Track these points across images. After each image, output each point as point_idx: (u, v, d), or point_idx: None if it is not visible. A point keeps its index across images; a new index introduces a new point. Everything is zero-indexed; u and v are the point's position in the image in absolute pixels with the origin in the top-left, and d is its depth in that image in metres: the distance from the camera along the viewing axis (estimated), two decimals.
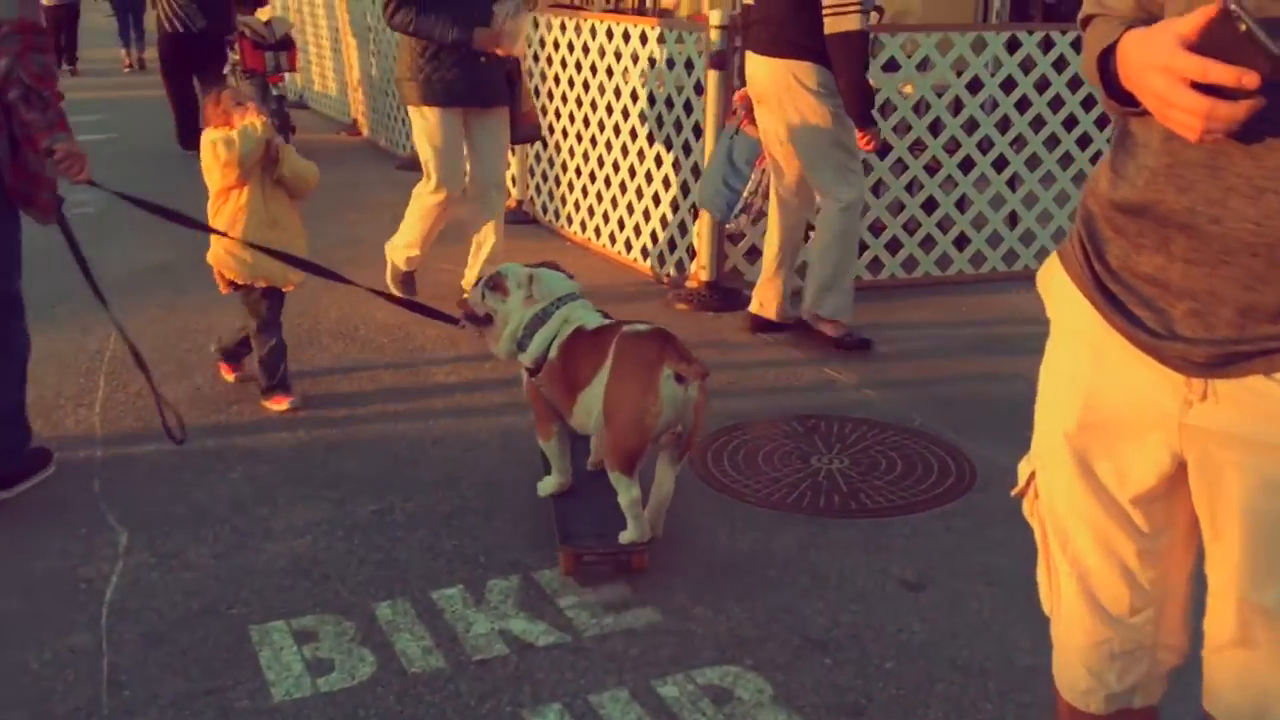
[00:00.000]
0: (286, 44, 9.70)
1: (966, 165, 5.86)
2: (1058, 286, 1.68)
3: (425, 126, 5.14)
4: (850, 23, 4.43)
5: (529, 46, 6.67)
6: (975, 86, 5.79)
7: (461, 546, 3.30)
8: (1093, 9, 1.57)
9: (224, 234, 4.04)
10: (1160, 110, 1.31)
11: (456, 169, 5.23)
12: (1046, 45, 5.86)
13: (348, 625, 2.92)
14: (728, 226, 5.23)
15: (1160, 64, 1.28)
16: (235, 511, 3.50)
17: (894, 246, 5.90)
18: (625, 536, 3.17)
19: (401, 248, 5.39)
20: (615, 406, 3.07)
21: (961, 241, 5.99)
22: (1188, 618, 1.72)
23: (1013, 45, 5.82)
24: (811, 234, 5.07)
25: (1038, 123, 5.96)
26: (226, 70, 10.15)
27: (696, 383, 3.02)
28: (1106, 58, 1.44)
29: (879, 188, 5.80)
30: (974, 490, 3.63)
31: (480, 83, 5.08)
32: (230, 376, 4.52)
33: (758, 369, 4.74)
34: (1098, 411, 1.63)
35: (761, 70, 4.71)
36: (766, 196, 4.99)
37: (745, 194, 4.96)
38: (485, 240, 5.33)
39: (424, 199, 5.28)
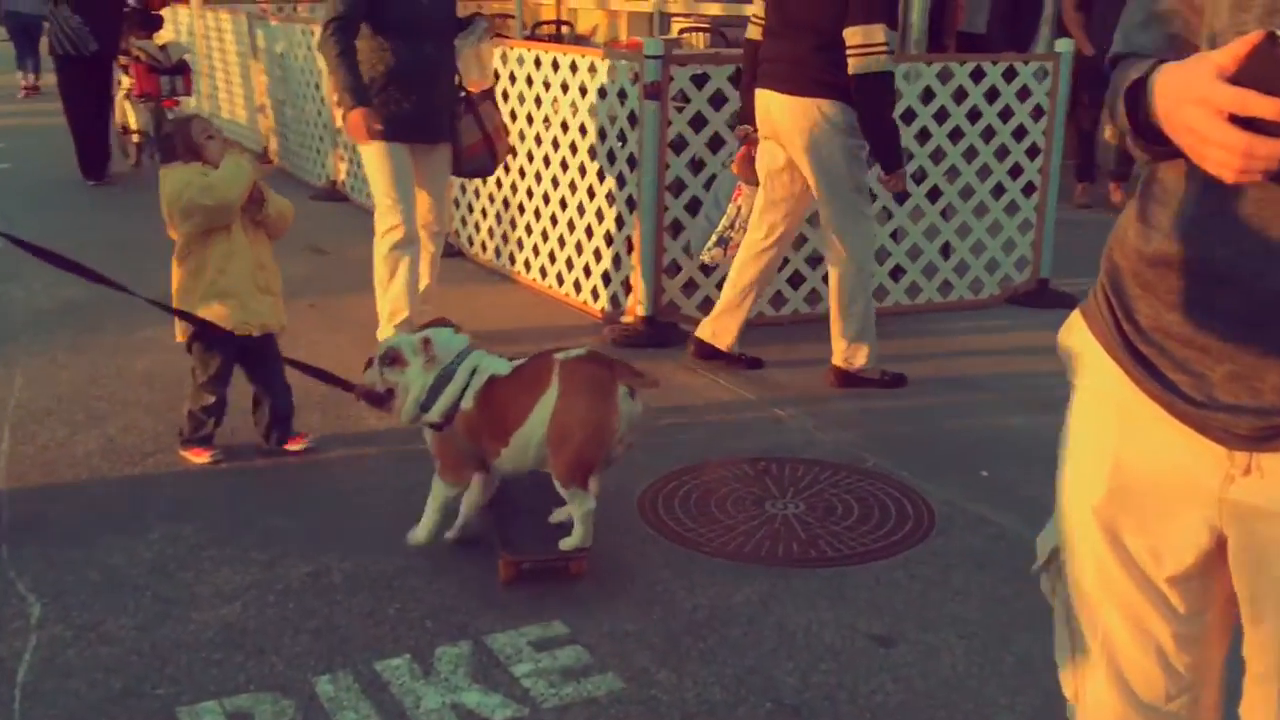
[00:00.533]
0: (182, 68, 9.66)
1: (899, 196, 5.81)
2: (1081, 346, 1.57)
3: (370, 161, 4.84)
4: (878, 64, 4.32)
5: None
6: (908, 117, 5.75)
7: (405, 610, 3.10)
8: (1122, 48, 1.46)
9: (165, 306, 3.79)
10: (1195, 148, 1.19)
11: (409, 205, 4.89)
12: (977, 76, 5.85)
13: (285, 704, 2.70)
14: (702, 258, 5.11)
15: (1196, 96, 1.16)
16: (157, 577, 3.25)
17: (795, 281, 5.82)
18: (568, 543, 3.24)
19: (387, 320, 4.93)
20: (570, 427, 3.16)
21: (896, 273, 5.94)
22: (1223, 705, 1.61)
23: (944, 76, 5.81)
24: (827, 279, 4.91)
25: (970, 153, 5.95)
26: (121, 95, 9.86)
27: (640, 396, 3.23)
28: (1136, 94, 1.33)
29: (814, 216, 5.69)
30: (934, 534, 3.54)
31: (426, 115, 4.85)
32: (205, 458, 4.01)
33: (702, 409, 4.61)
34: (1128, 483, 1.52)
35: (782, 108, 4.54)
36: (742, 230, 4.89)
37: (720, 228, 4.86)
38: (420, 280, 5.12)
39: (383, 245, 4.88)
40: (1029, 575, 2.67)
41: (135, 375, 4.87)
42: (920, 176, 5.83)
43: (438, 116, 4.91)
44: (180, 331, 3.96)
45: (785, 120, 4.55)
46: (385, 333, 4.88)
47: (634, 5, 13.39)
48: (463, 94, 5.02)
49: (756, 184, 4.84)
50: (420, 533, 3.38)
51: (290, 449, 4.07)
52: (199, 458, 4.01)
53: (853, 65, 4.34)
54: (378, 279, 4.96)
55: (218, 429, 4.06)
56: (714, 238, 4.93)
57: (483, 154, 5.05)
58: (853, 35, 4.31)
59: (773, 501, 3.77)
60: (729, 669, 2.84)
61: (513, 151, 5.72)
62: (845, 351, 4.75)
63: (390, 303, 4.93)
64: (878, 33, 4.29)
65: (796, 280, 5.75)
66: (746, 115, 4.83)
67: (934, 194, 5.91)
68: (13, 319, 5.58)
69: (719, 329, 4.99)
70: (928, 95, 5.79)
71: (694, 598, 3.17)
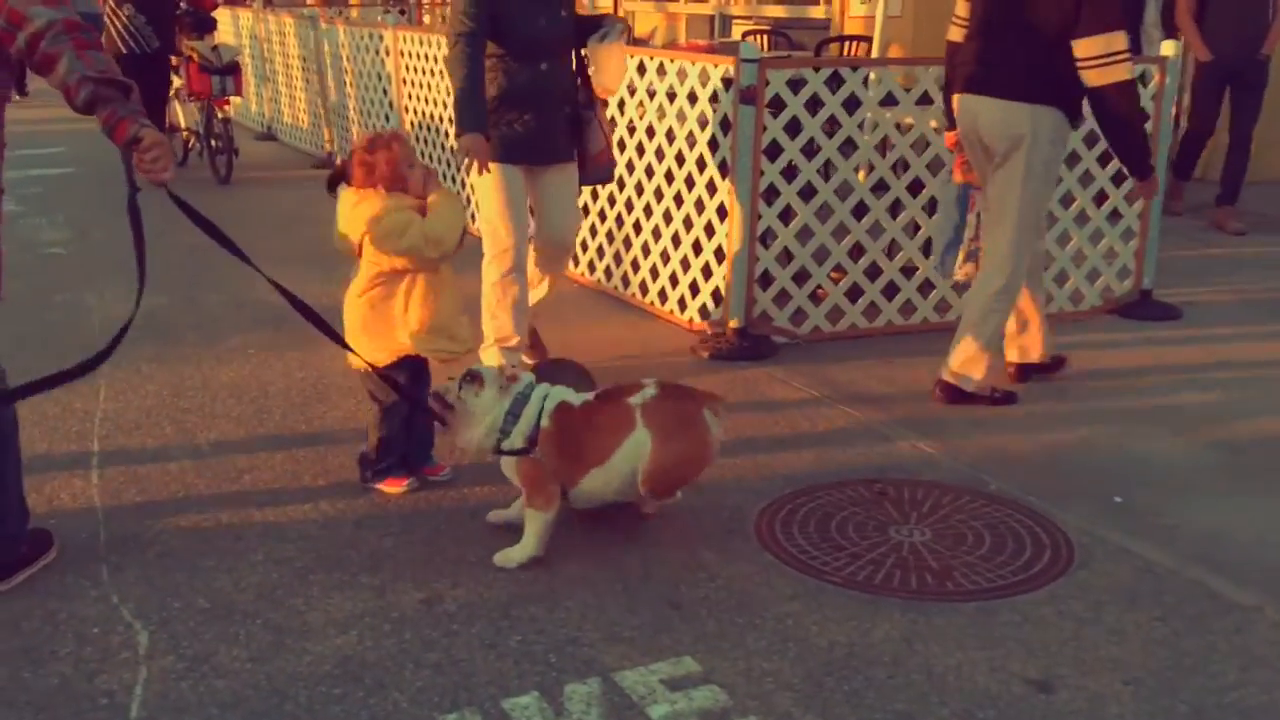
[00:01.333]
0: (233, 69, 9.77)
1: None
2: None
3: (483, 183, 4.52)
4: (1123, 72, 4.14)
5: None
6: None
7: (527, 642, 2.95)
8: None
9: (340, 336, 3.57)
10: None
11: (522, 229, 4.60)
12: None
13: None
14: (956, 276, 4.86)
15: None
16: (266, 603, 3.12)
17: (925, 289, 5.63)
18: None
19: (493, 343, 4.69)
20: (673, 465, 3.38)
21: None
22: None
23: None
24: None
25: (1072, 159, 5.73)
26: (171, 94, 9.96)
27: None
28: None
29: (840, 232, 5.47)
30: (1077, 567, 3.34)
31: (543, 135, 4.54)
32: (403, 486, 3.80)
33: (805, 426, 4.43)
34: None
35: (991, 113, 4.35)
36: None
37: (966, 241, 4.68)
38: (538, 291, 4.96)
39: (493, 271, 4.61)
40: (1186, 614, 2.47)
41: (221, 387, 4.76)
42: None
43: (555, 136, 4.60)
44: (359, 360, 3.63)
45: (995, 126, 4.35)
46: (489, 357, 4.66)
47: (694, 8, 13.23)
48: (588, 100, 4.74)
49: (981, 187, 4.66)
50: (513, 558, 3.34)
51: (430, 476, 3.90)
52: (396, 488, 3.79)
53: (1095, 76, 4.14)
54: (485, 303, 4.70)
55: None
56: (962, 253, 4.71)
57: (607, 161, 4.78)
58: (1091, 46, 4.11)
59: (896, 527, 3.59)
60: (878, 715, 2.66)
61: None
62: (961, 366, 4.56)
63: (498, 330, 4.68)
64: (1119, 40, 4.12)
65: (891, 291, 5.56)
66: (953, 120, 4.63)
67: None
68: (89, 328, 5.48)
69: (1024, 345, 4.81)
70: None
71: (829, 633, 2.99)
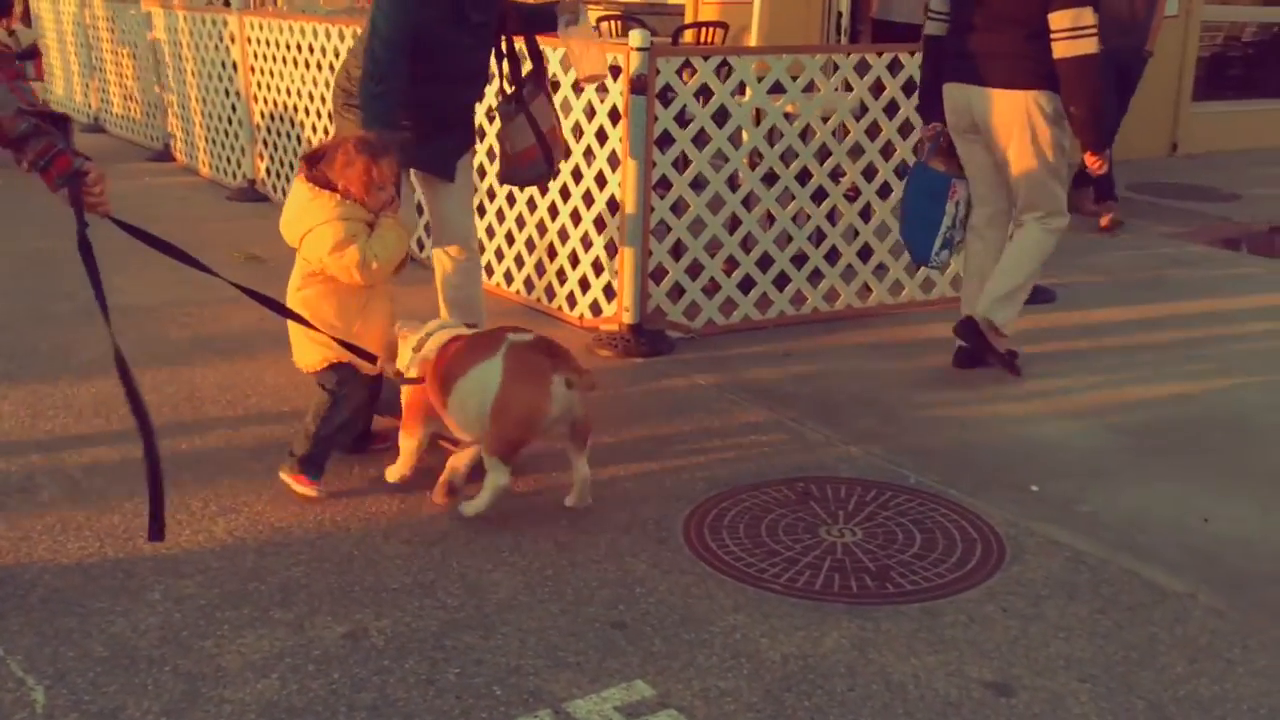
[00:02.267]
0: (32, 53, 9.71)
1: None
2: None
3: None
4: (1088, 45, 4.31)
5: None
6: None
7: (466, 675, 2.77)
8: None
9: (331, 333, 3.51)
10: None
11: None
12: None
13: None
14: (933, 265, 4.95)
15: None
16: (172, 647, 2.85)
17: (815, 279, 5.60)
18: (469, 506, 3.48)
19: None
20: (506, 404, 3.36)
21: (848, 273, 5.76)
22: None
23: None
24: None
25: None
26: None
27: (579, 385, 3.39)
28: None
29: (731, 224, 5.43)
30: (1010, 561, 3.33)
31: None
32: (313, 490, 3.63)
33: (714, 422, 4.34)
34: None
35: (990, 102, 4.52)
36: (962, 228, 4.85)
37: (944, 229, 4.75)
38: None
39: None
40: (1124, 605, 2.45)
41: (84, 406, 4.38)
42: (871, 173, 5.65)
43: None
44: (318, 360, 3.60)
45: (996, 113, 4.52)
46: None
47: None
48: (510, 92, 4.44)
49: (964, 177, 4.79)
50: (393, 472, 3.67)
51: (291, 482, 3.67)
52: (306, 488, 3.62)
53: (1062, 49, 4.34)
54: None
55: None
56: (938, 241, 4.79)
57: (538, 159, 4.44)
58: (1061, 19, 4.32)
59: (826, 528, 3.52)
60: None
61: (568, 152, 5.09)
62: (994, 322, 4.69)
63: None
64: (1086, 15, 4.32)
65: (782, 282, 5.51)
66: (932, 112, 4.80)
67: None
68: None
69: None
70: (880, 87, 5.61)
71: (780, 645, 2.90)
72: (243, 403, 4.43)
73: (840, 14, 9.71)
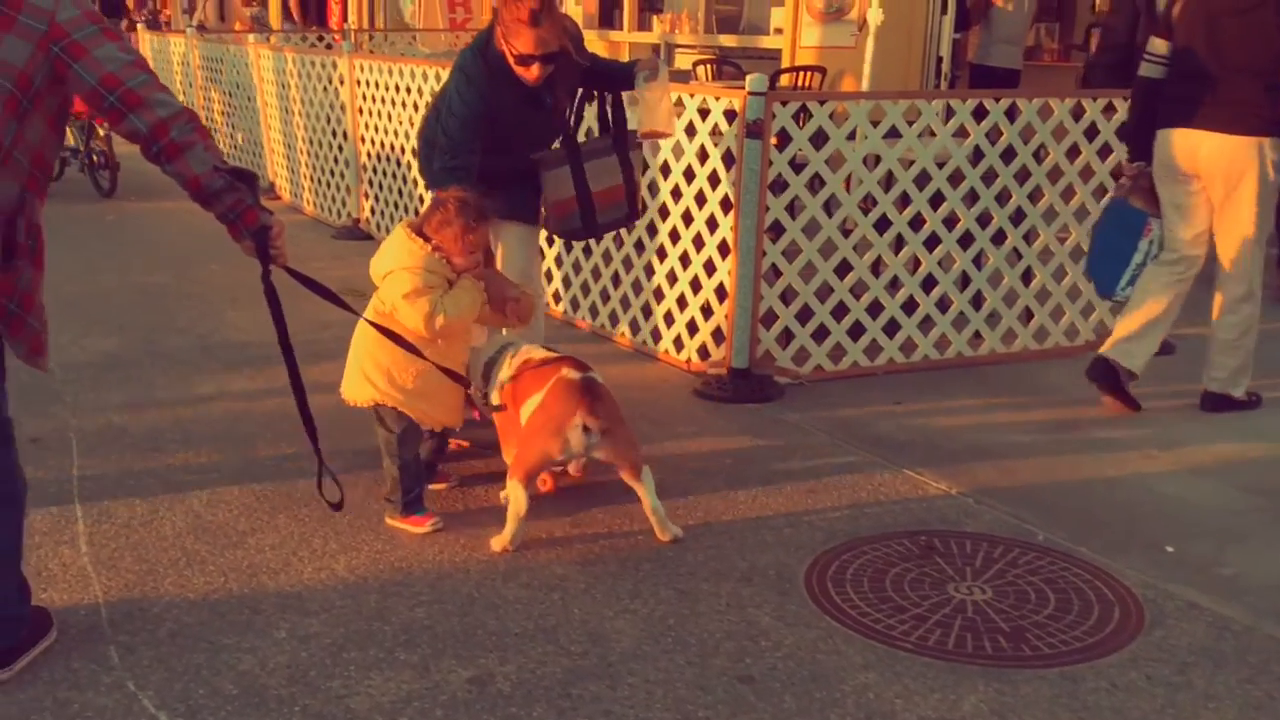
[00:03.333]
0: None
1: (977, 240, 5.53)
2: None
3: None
4: None
5: None
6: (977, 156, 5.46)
7: None
8: None
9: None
10: None
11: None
12: (1075, 113, 5.58)
13: None
14: (1118, 298, 5.06)
15: None
16: (300, 687, 2.84)
17: (925, 326, 5.51)
18: (496, 543, 3.57)
19: None
20: (528, 433, 3.56)
21: (993, 319, 5.65)
22: None
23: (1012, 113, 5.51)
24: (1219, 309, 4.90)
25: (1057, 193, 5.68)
26: None
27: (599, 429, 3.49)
28: None
29: (843, 269, 5.34)
30: (1150, 626, 3.20)
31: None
32: (424, 527, 3.70)
33: (828, 472, 4.26)
34: None
35: (1219, 148, 4.61)
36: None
37: (1134, 265, 4.87)
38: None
39: None
40: (1275, 674, 2.33)
41: (201, 439, 4.44)
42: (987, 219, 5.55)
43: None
44: (366, 398, 3.69)
45: (1223, 159, 4.61)
46: None
47: (637, 37, 13.11)
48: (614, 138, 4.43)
49: (1159, 215, 4.86)
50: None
51: (407, 527, 3.69)
52: (421, 526, 3.70)
53: None
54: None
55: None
56: (1126, 276, 4.90)
57: (570, 211, 4.33)
58: None
59: (954, 584, 3.42)
60: None
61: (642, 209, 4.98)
62: (1226, 382, 4.86)
63: None
64: None
65: (892, 329, 5.43)
66: (1140, 152, 4.89)
67: (1029, 237, 5.64)
68: (48, 377, 5.11)
69: (1135, 350, 4.85)
70: (997, 133, 5.51)
71: (916, 708, 2.81)
72: (361, 440, 4.45)
73: (940, 59, 9.68)
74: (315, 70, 8.73)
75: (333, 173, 8.80)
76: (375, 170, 8.17)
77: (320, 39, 14.34)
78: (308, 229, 8.71)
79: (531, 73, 3.99)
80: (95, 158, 10.12)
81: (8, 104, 2.57)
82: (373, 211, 8.39)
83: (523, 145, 4.26)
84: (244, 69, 10.38)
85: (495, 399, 3.78)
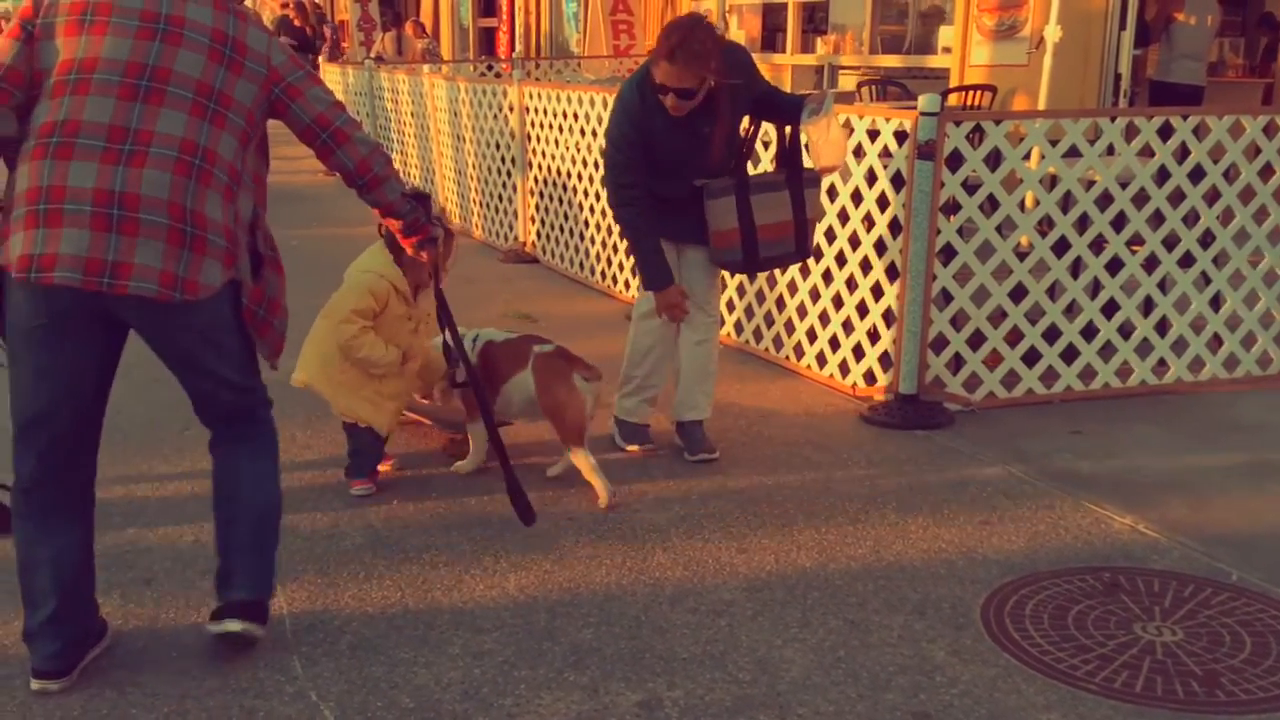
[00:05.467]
0: None
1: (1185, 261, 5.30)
2: None
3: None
4: None
5: None
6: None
7: None
8: None
9: None
10: None
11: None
12: (1268, 130, 5.30)
13: None
14: None
15: None
16: (473, 704, 2.89)
17: (1106, 352, 5.30)
18: (601, 499, 4.05)
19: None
20: (557, 405, 4.12)
21: (1180, 346, 5.40)
22: None
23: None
24: None
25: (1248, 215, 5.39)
26: None
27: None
28: None
29: (1017, 293, 5.14)
30: None
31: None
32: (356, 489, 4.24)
33: (1004, 504, 4.12)
34: None
35: None
36: None
37: None
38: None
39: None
40: None
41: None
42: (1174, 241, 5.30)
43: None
44: (343, 410, 4.23)
45: None
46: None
47: (799, 59, 13.05)
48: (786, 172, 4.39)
49: None
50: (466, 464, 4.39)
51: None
52: (354, 488, 4.23)
53: None
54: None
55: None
56: None
57: (732, 244, 4.29)
58: None
59: (1141, 624, 3.27)
60: None
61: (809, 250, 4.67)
62: None
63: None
64: None
65: (1070, 355, 5.24)
66: None
67: (1220, 259, 5.38)
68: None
69: None
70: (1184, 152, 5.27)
71: None
72: (524, 460, 4.52)
73: (1119, 75, 9.34)
74: (486, 98, 8.96)
75: (501, 197, 9.01)
76: (542, 195, 8.33)
77: (489, 68, 14.73)
78: (476, 252, 8.92)
79: (669, 103, 4.06)
80: None
81: (241, 138, 2.89)
82: (539, 235, 8.54)
83: (690, 172, 4.28)
84: (419, 98, 10.74)
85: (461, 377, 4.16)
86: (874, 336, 5.20)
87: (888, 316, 5.10)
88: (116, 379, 2.94)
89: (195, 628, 3.22)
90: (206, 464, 3.09)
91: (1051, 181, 5.18)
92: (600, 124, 7.04)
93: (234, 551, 3.07)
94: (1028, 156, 5.11)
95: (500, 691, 2.94)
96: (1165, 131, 5.13)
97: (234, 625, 3.02)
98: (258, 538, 3.09)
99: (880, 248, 5.11)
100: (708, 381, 4.57)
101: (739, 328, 6.15)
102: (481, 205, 9.50)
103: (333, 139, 3.03)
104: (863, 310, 5.25)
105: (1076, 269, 5.26)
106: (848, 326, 5.35)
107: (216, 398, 3.02)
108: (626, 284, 7.17)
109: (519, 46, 18.14)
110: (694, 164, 4.27)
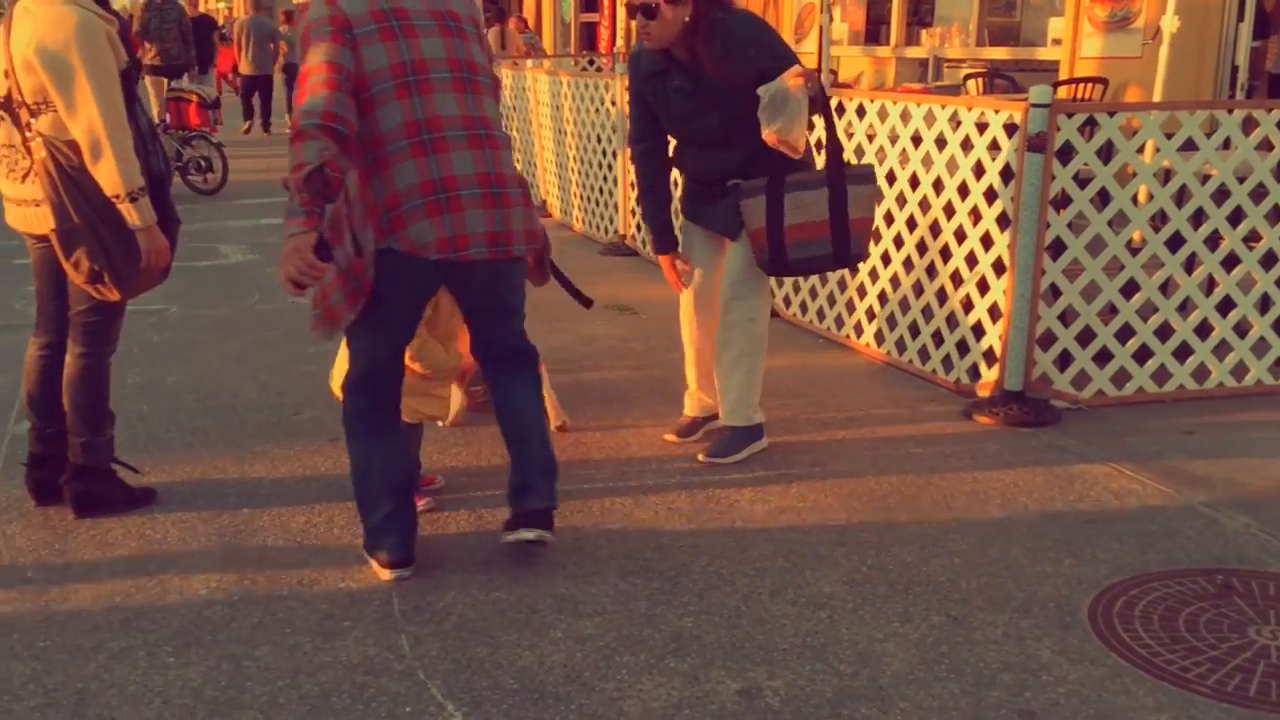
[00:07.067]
0: (218, 104, 12.42)
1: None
2: None
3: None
4: None
5: None
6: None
7: None
8: None
9: None
10: None
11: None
12: None
13: None
14: None
15: None
16: (575, 686, 2.93)
17: (1220, 351, 5.15)
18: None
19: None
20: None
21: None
22: None
23: None
24: None
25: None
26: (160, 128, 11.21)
27: None
28: None
29: (1129, 289, 5.00)
30: None
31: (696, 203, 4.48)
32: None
33: (1113, 503, 4.04)
34: None
35: None
36: None
37: None
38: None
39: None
40: None
41: (482, 443, 4.64)
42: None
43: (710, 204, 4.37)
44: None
45: None
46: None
47: (904, 51, 12.89)
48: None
49: None
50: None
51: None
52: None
53: None
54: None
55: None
56: None
57: (762, 243, 4.12)
58: None
59: (1256, 627, 3.18)
60: None
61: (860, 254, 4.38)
62: None
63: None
64: None
65: (1183, 353, 5.10)
66: None
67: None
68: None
69: None
70: None
71: None
72: (623, 451, 4.56)
73: (1236, 68, 9.06)
74: (587, 92, 9.02)
75: (601, 190, 9.07)
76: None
77: (590, 63, 14.82)
78: (576, 245, 8.99)
79: (637, 26, 4.17)
80: (202, 162, 11.73)
81: (492, 93, 3.41)
82: (638, 228, 8.58)
83: (696, 138, 4.27)
84: (521, 93, 10.85)
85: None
86: (979, 332, 5.13)
87: (993, 312, 5.03)
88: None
89: (307, 605, 3.32)
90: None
91: (1166, 175, 5.05)
92: None
93: (529, 465, 3.51)
94: (1141, 150, 4.98)
95: (602, 676, 2.98)
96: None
97: (528, 534, 3.47)
98: (546, 449, 3.54)
99: (987, 242, 5.04)
100: (729, 376, 4.39)
101: (839, 322, 6.11)
102: (582, 198, 9.58)
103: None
104: (968, 305, 5.18)
105: (1191, 265, 5.13)
106: (951, 321, 5.28)
107: (510, 332, 3.49)
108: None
109: (620, 41, 18.21)
110: (697, 128, 4.22)
